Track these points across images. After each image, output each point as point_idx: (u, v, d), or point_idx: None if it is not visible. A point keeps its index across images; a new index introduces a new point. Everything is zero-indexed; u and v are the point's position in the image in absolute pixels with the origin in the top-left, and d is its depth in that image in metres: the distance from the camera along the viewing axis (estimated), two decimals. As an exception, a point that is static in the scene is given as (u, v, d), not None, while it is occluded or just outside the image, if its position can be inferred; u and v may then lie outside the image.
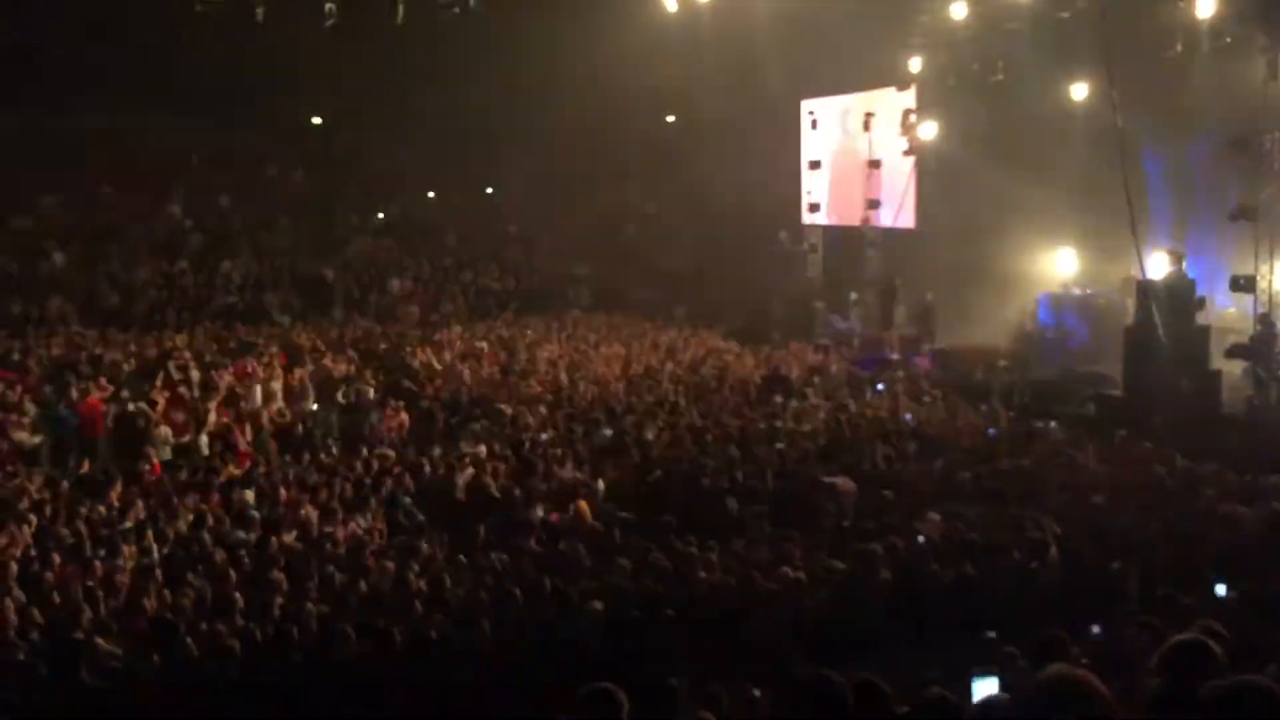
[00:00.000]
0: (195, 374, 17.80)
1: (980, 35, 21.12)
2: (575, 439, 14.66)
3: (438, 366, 19.32)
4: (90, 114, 28.32)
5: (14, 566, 9.70)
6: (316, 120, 32.07)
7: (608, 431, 14.93)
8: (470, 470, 13.13)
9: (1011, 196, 20.37)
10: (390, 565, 10.01)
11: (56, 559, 9.97)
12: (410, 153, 32.05)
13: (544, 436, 14.92)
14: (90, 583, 9.35)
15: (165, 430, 15.29)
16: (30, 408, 15.60)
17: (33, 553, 10.17)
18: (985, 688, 5.32)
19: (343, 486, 12.51)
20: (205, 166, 30.52)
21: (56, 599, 9.03)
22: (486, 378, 18.90)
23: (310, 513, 11.57)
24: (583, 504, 11.94)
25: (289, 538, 10.88)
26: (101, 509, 11.68)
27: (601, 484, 12.86)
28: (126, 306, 26.14)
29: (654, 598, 8.92)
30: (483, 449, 14.22)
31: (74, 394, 16.08)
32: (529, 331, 23.79)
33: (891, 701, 3.73)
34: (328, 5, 18.96)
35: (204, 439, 15.27)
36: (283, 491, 12.33)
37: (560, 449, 14.10)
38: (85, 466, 13.84)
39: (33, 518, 11.20)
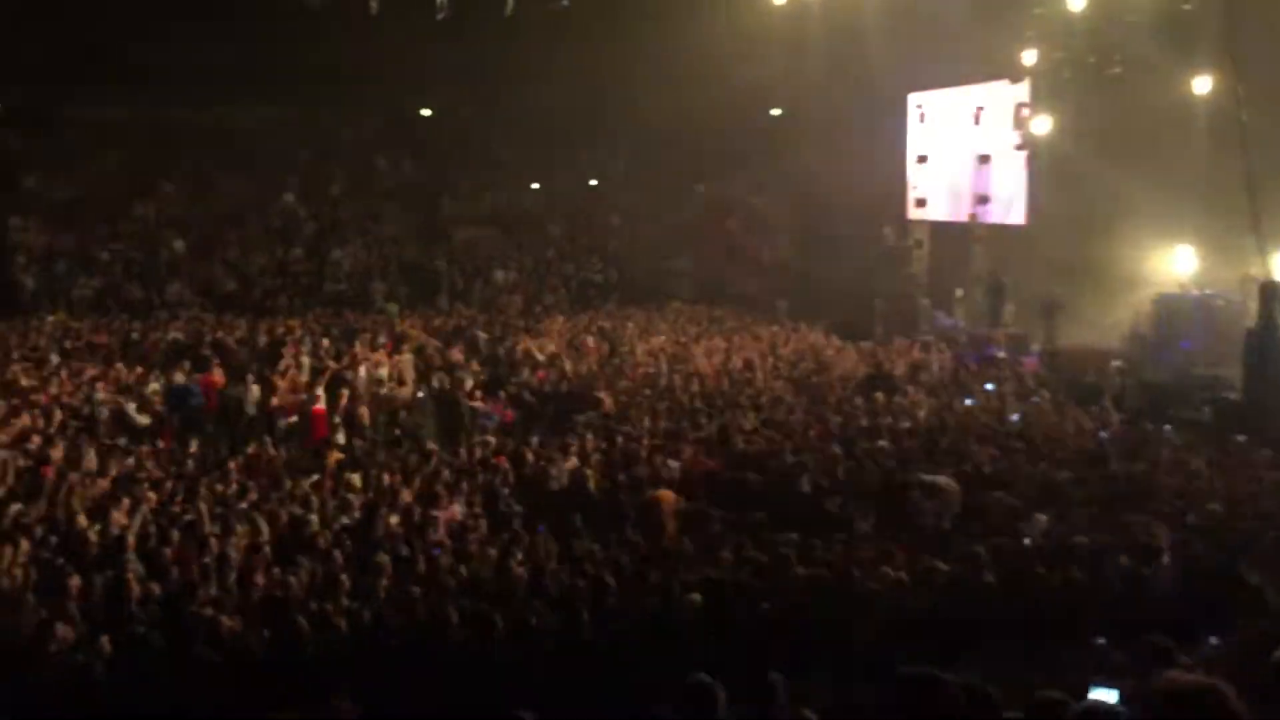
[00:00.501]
0: (305, 360, 18.26)
1: (1099, 27, 20.54)
2: (674, 431, 14.67)
3: (539, 357, 19.50)
4: (208, 106, 29.25)
5: (132, 540, 10.08)
6: (425, 112, 32.58)
7: (705, 424, 14.90)
8: (573, 460, 13.23)
9: (1127, 193, 19.77)
10: (492, 552, 10.16)
11: (175, 535, 10.32)
12: (515, 144, 32.41)
13: (645, 426, 14.96)
14: (206, 559, 9.65)
15: (280, 411, 15.75)
16: (155, 385, 16.21)
17: (152, 528, 10.51)
18: (1104, 699, 5.17)
19: (444, 473, 12.70)
20: (318, 157, 31.22)
21: (175, 574, 9.33)
22: (587, 369, 19.01)
23: (410, 497, 11.77)
24: (668, 494, 11.99)
25: (392, 521, 11.09)
26: (219, 486, 12.06)
27: (676, 470, 12.87)
28: (242, 292, 26.93)
29: (752, 592, 8.89)
30: (586, 440, 14.31)
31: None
32: (630, 324, 23.88)
33: (1000, 705, 3.67)
34: (439, -1, 19.24)
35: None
36: (386, 476, 12.56)
37: (659, 441, 14.12)
38: (193, 447, 14.24)
39: (152, 494, 11.62)
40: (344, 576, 9.22)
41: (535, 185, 32.29)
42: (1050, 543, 10.11)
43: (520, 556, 9.95)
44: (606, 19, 25.43)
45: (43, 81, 27.71)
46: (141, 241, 27.82)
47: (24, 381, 16.67)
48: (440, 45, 25.64)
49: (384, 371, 17.78)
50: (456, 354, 19.33)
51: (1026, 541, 9.97)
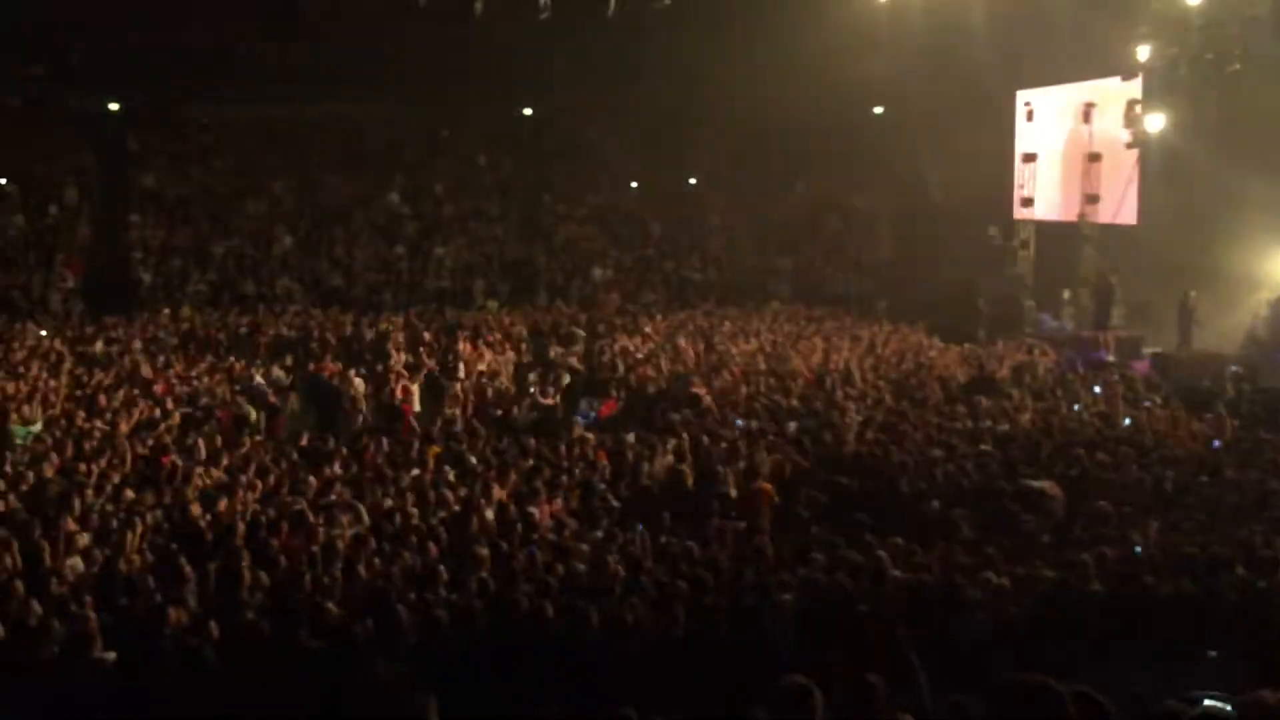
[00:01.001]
0: (403, 355, 18.65)
1: (1217, 23, 19.90)
2: (770, 431, 14.60)
3: (637, 355, 19.56)
4: (317, 105, 29.97)
5: (242, 528, 10.37)
6: (527, 111, 32.91)
7: (795, 424, 14.79)
8: (669, 458, 13.25)
9: (1244, 193, 19.13)
10: (587, 548, 10.23)
11: (283, 525, 10.59)
12: (616, 142, 32.56)
13: (740, 425, 14.93)
14: (314, 548, 9.89)
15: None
16: (259, 378, 16.67)
17: (261, 517, 10.80)
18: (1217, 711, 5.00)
19: (543, 468, 12.81)
20: (421, 155, 31.75)
21: (283, 562, 9.57)
22: (684, 367, 19.00)
23: (506, 493, 11.89)
24: (768, 486, 11.95)
25: (489, 515, 11.20)
26: (327, 474, 12.34)
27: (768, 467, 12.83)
28: (347, 288, 27.54)
29: (848, 594, 8.80)
30: (682, 437, 14.32)
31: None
32: (727, 322, 23.83)
33: (1113, 715, 3.57)
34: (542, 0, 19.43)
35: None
36: (485, 471, 12.70)
37: (755, 440, 14.06)
38: (304, 439, 14.58)
39: (259, 483, 11.94)
40: (441, 568, 9.36)
41: (635, 184, 32.37)
42: (1161, 552, 9.83)
43: (616, 553, 9.99)
44: (707, 17, 25.40)
45: (162, 83, 28.73)
46: (253, 238, 28.60)
47: (144, 372, 17.29)
48: (543, 45, 25.89)
49: (482, 366, 18.01)
50: (555, 350, 19.48)
51: (1137, 550, 9.70)
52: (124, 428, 13.93)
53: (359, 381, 17.01)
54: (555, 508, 11.60)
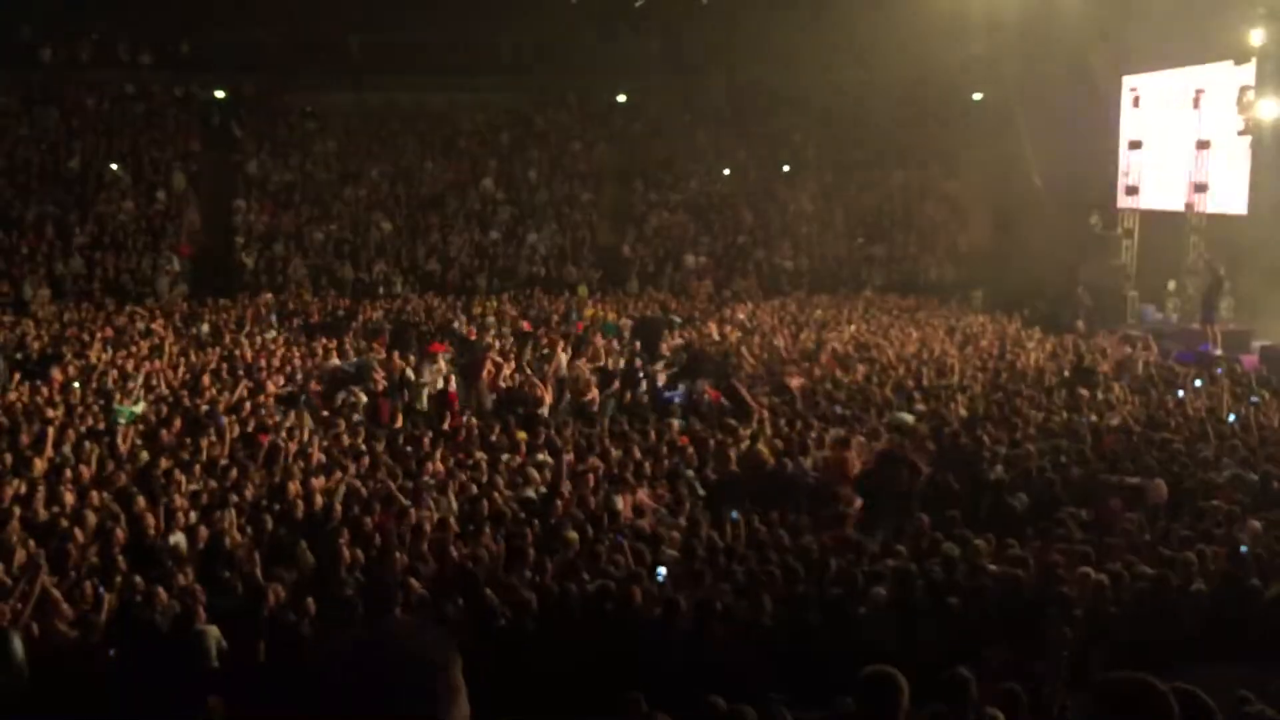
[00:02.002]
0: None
1: (1336, 3, 19.15)
2: (864, 420, 14.45)
3: (717, 338, 19.48)
4: (414, 92, 30.45)
5: (339, 509, 10.60)
6: (620, 98, 33.00)
7: (906, 416, 14.59)
8: (758, 446, 13.19)
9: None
10: (676, 535, 10.25)
11: (376, 505, 10.81)
12: (708, 129, 32.47)
13: (837, 410, 14.83)
14: (403, 530, 10.07)
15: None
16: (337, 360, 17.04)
17: (356, 498, 11.03)
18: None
19: (632, 454, 12.82)
20: (515, 142, 32.04)
21: (377, 541, 9.76)
22: (774, 355, 18.88)
23: (594, 479, 11.93)
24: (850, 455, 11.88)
25: (573, 501, 11.25)
26: (415, 458, 12.53)
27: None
28: (443, 273, 27.94)
29: (941, 586, 8.70)
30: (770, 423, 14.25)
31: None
32: (819, 310, 23.66)
33: (1216, 714, 3.46)
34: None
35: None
36: (571, 456, 12.77)
37: (844, 429, 13.94)
38: (399, 421, 14.83)
39: (351, 465, 12.19)
40: (531, 551, 9.46)
41: (727, 171, 32.27)
42: (1266, 552, 9.52)
43: (704, 540, 9.99)
44: (802, 2, 25.19)
45: (266, 72, 29.44)
46: (351, 223, 29.15)
47: (247, 354, 17.76)
48: (635, 32, 25.94)
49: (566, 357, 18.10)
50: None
51: (1242, 549, 9.41)
52: (224, 407, 14.29)
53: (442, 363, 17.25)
54: (640, 496, 11.56)
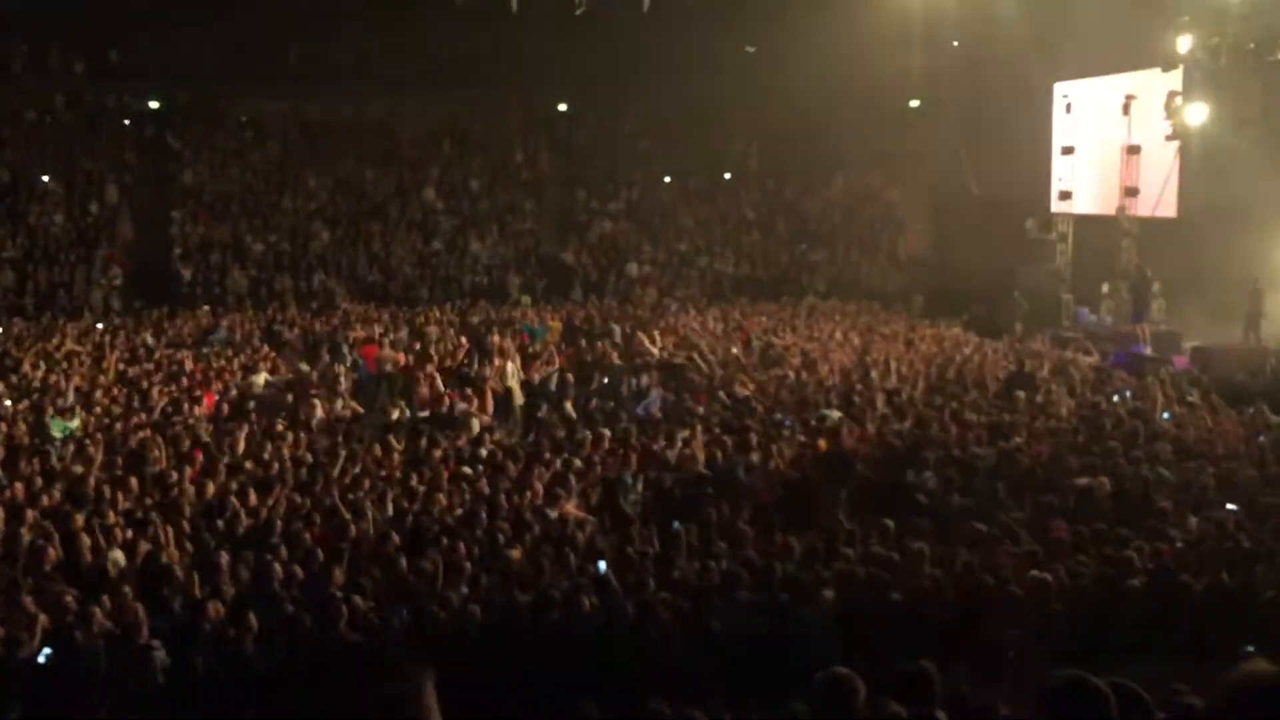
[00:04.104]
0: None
1: (1258, 11, 19.61)
2: (800, 423, 14.54)
3: (653, 350, 19.45)
4: (353, 102, 30.20)
5: (279, 525, 10.45)
6: (562, 107, 32.98)
7: (833, 413, 14.70)
8: (692, 449, 13.20)
9: (1288, 186, 18.88)
10: (612, 543, 10.21)
11: (315, 517, 10.68)
12: (650, 138, 32.56)
13: (777, 419, 14.88)
14: (343, 544, 9.96)
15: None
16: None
17: (297, 511, 10.91)
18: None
19: (570, 463, 12.72)
20: (457, 151, 31.88)
21: (319, 556, 9.65)
22: (730, 361, 18.93)
23: (537, 488, 11.86)
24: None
25: (520, 509, 11.17)
26: (353, 471, 12.40)
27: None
28: (384, 283, 27.72)
29: (885, 589, 8.77)
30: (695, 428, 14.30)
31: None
32: (763, 317, 23.77)
33: (1153, 709, 3.53)
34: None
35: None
36: (511, 465, 12.69)
37: (785, 433, 14.02)
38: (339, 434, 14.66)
39: (290, 478, 12.03)
40: (467, 565, 9.39)
41: (668, 179, 32.37)
42: (1199, 547, 9.73)
43: (640, 548, 9.96)
44: (741, 12, 25.35)
45: (201, 81, 29.04)
46: (290, 233, 28.81)
47: (188, 365, 17.51)
48: (577, 41, 25.93)
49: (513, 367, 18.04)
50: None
51: (1178, 545, 9.60)
52: (162, 421, 14.07)
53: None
54: (567, 508, 11.42)
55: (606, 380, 17.60)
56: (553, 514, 11.05)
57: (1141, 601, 8.67)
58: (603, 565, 9.05)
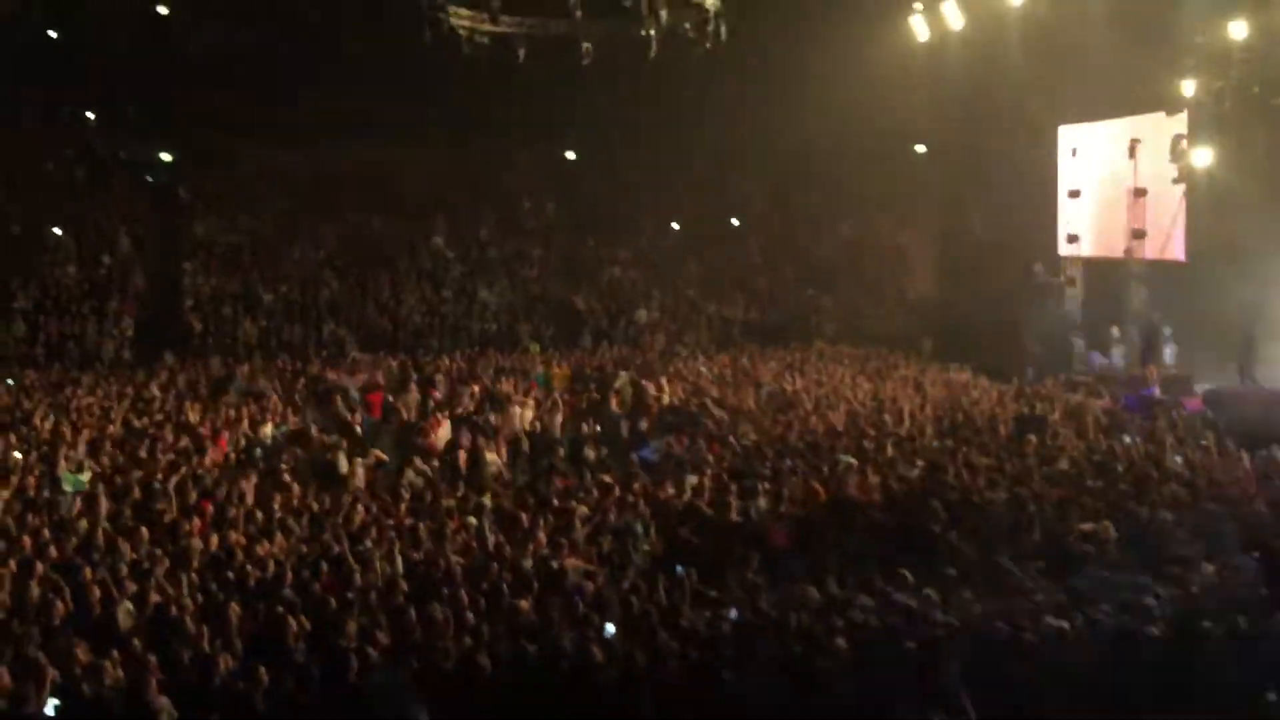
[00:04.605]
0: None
1: (1263, 55, 19.70)
2: (810, 467, 14.49)
3: (662, 397, 19.45)
4: (363, 151, 30.41)
5: (290, 575, 10.41)
6: (570, 155, 33.21)
7: (849, 459, 14.66)
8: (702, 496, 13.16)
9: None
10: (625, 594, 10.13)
11: (324, 567, 10.63)
12: (658, 184, 32.74)
13: (786, 465, 14.84)
14: (350, 594, 9.91)
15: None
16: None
17: (304, 562, 10.86)
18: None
19: (575, 512, 12.66)
20: (466, 199, 32.08)
21: (330, 605, 9.60)
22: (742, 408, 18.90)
23: (540, 538, 11.80)
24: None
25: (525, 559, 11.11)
26: (361, 517, 12.37)
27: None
28: (393, 332, 27.80)
29: (900, 638, 8.69)
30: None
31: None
32: (772, 362, 23.78)
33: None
34: (584, 45, 19.65)
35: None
36: (519, 514, 12.65)
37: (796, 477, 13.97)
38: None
39: (293, 526, 12.00)
40: (470, 615, 9.32)
41: (676, 225, 32.51)
42: (1217, 592, 9.64)
43: (647, 596, 9.89)
44: (747, 59, 25.54)
45: (213, 132, 29.30)
46: (301, 283, 28.95)
47: (192, 418, 17.50)
48: (584, 89, 26.15)
49: (528, 414, 18.05)
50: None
51: (1194, 590, 9.51)
52: (172, 473, 14.04)
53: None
54: (570, 561, 11.32)
55: (600, 428, 17.57)
56: (555, 565, 10.97)
57: (1163, 648, 8.58)
58: (610, 628, 8.98)
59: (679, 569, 10.72)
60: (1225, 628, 8.78)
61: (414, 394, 19.15)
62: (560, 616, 9.41)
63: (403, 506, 13.12)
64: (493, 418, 17.77)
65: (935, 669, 8.22)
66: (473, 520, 12.41)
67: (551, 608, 9.61)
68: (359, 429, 16.95)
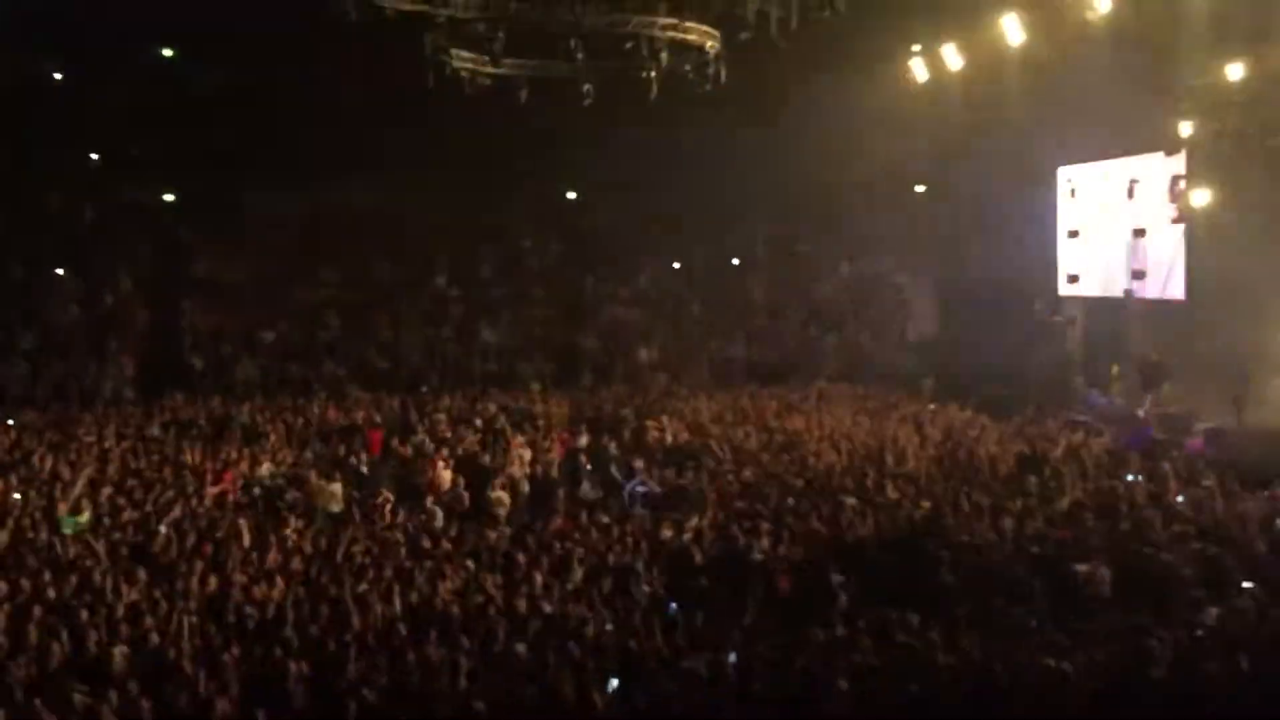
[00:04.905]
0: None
1: (1260, 97, 19.86)
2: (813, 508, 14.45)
3: (663, 437, 19.44)
4: (365, 191, 30.51)
5: (289, 617, 10.35)
6: (571, 195, 33.35)
7: (849, 499, 14.63)
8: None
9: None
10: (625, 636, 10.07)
11: (323, 610, 10.58)
12: (658, 224, 32.84)
13: (787, 504, 14.79)
14: (348, 637, 9.86)
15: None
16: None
17: (303, 605, 10.80)
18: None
19: (573, 554, 12.61)
20: (467, 239, 32.18)
21: (328, 647, 9.54)
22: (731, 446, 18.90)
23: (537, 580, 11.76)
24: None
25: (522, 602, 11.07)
26: (358, 560, 12.32)
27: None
28: (393, 371, 27.79)
29: (902, 679, 8.63)
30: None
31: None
32: (774, 402, 23.76)
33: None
34: (585, 86, 19.77)
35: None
36: (516, 556, 12.61)
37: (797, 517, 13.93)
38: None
39: (296, 570, 11.96)
40: (463, 660, 9.26)
41: (677, 264, 32.60)
42: (1224, 633, 9.57)
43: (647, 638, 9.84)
44: (748, 101, 25.70)
45: (214, 174, 29.43)
46: (301, 323, 28.99)
47: (190, 460, 17.45)
48: (586, 130, 26.30)
49: (527, 454, 18.02)
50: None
51: (1199, 633, 9.45)
52: (170, 513, 14.01)
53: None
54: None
55: (590, 467, 17.56)
56: (548, 609, 10.91)
57: (1166, 689, 8.51)
58: (614, 683, 8.91)
59: (673, 607, 10.68)
60: (1229, 669, 8.72)
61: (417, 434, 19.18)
62: (558, 660, 9.35)
63: (401, 549, 13.07)
64: (493, 458, 17.75)
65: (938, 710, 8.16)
66: (470, 563, 12.38)
67: (549, 651, 9.55)
68: (364, 468, 16.94)
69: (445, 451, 17.89)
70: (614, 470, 17.27)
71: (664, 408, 22.39)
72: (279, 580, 11.51)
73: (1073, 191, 26.11)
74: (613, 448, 18.40)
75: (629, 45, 18.72)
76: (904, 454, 17.77)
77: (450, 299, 30.60)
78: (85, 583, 11.12)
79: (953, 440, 19.32)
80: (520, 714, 8.37)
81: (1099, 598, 10.88)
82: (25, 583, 11.06)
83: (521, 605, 10.90)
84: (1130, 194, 23.68)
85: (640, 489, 16.24)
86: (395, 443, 18.79)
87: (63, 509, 13.94)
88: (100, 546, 12.41)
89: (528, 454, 18.00)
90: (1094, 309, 25.91)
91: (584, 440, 19.10)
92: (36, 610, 10.18)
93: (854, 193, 29.12)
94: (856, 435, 19.77)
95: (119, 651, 9.49)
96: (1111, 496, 14.96)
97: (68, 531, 13.10)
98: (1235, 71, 19.56)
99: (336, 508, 15.31)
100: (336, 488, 15.82)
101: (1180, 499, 14.78)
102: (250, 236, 30.77)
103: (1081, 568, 11.56)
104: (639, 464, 17.24)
